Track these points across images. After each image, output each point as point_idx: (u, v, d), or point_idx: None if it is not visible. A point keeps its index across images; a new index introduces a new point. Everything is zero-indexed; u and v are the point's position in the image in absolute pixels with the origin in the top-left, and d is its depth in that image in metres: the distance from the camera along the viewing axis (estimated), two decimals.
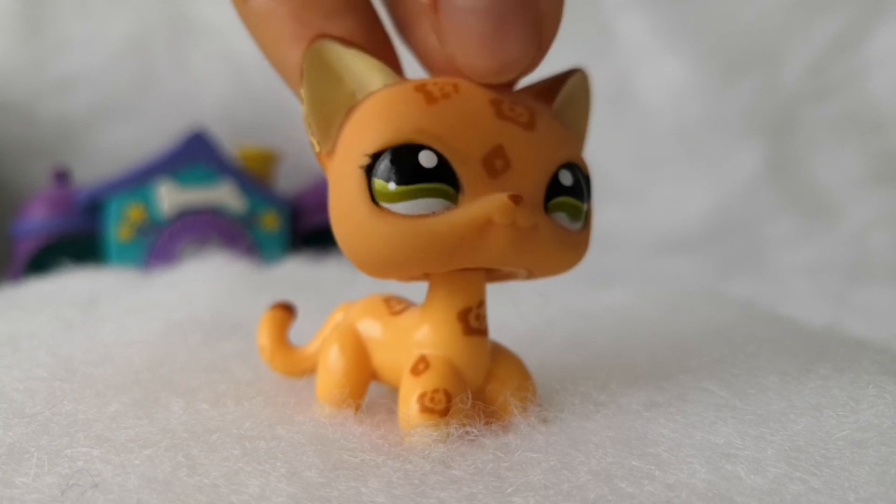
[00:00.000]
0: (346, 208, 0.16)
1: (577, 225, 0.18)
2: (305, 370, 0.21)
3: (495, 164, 0.16)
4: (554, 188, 0.17)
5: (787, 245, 0.58)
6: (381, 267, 0.17)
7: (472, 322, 0.18)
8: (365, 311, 0.20)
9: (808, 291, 0.51)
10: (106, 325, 0.28)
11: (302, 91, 0.17)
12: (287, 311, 0.22)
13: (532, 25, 0.16)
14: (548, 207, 0.17)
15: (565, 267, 0.18)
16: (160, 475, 0.15)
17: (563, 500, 0.14)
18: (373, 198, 0.16)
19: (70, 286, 0.38)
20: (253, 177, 0.49)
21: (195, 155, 0.47)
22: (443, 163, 0.16)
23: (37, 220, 0.46)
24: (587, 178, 0.18)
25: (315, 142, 0.17)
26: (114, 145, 0.59)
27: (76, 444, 0.16)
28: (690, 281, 0.51)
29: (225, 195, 0.47)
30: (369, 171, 0.16)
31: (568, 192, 0.17)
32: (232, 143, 0.52)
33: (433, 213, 0.16)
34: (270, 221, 0.49)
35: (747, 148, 0.61)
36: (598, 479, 0.15)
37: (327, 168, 0.17)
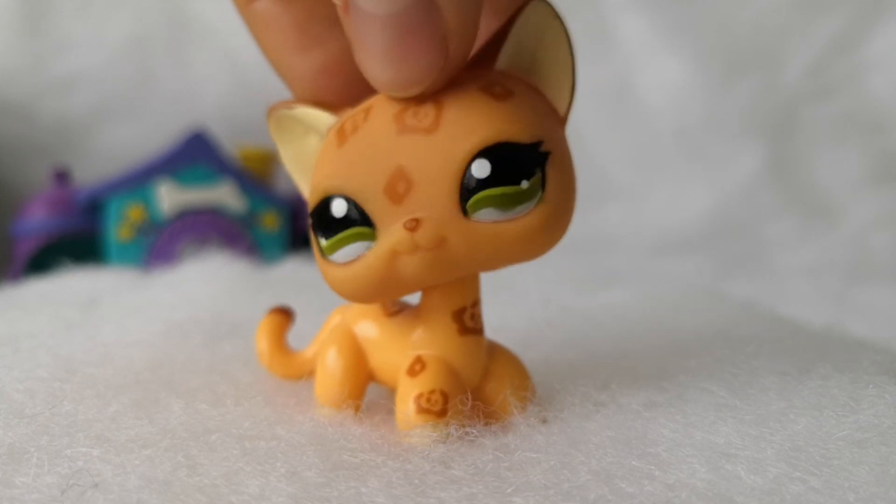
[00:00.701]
0: (315, 255, 0.18)
1: (522, 208, 0.16)
2: (304, 374, 0.21)
3: (397, 189, 0.16)
4: (471, 186, 0.16)
5: (787, 245, 0.58)
6: (347, 300, 0.18)
7: (468, 321, 0.18)
8: (361, 313, 0.20)
9: (808, 291, 0.51)
10: (106, 326, 0.28)
11: (281, 156, 0.19)
12: (285, 315, 0.22)
13: (436, 41, 0.15)
14: (467, 210, 0.16)
15: (521, 257, 0.17)
16: (160, 475, 0.15)
17: (563, 500, 0.14)
18: (321, 251, 0.17)
19: (70, 286, 0.38)
20: (253, 177, 0.49)
21: (195, 155, 0.47)
22: (352, 206, 0.16)
23: (37, 220, 0.46)
24: (529, 149, 0.16)
25: (305, 195, 0.19)
26: (114, 145, 0.59)
27: (76, 445, 0.16)
28: (691, 281, 0.51)
29: (225, 195, 0.47)
30: (313, 229, 0.17)
31: (486, 184, 0.16)
32: (232, 143, 0.52)
33: (359, 256, 0.17)
34: (270, 221, 0.49)
35: (747, 148, 0.61)
36: (598, 478, 0.15)
37: None
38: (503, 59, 0.17)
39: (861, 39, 0.61)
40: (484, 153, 0.16)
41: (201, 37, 0.61)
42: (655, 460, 0.15)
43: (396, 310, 0.19)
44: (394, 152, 0.16)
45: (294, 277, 0.39)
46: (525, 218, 0.16)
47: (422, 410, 0.17)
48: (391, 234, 0.16)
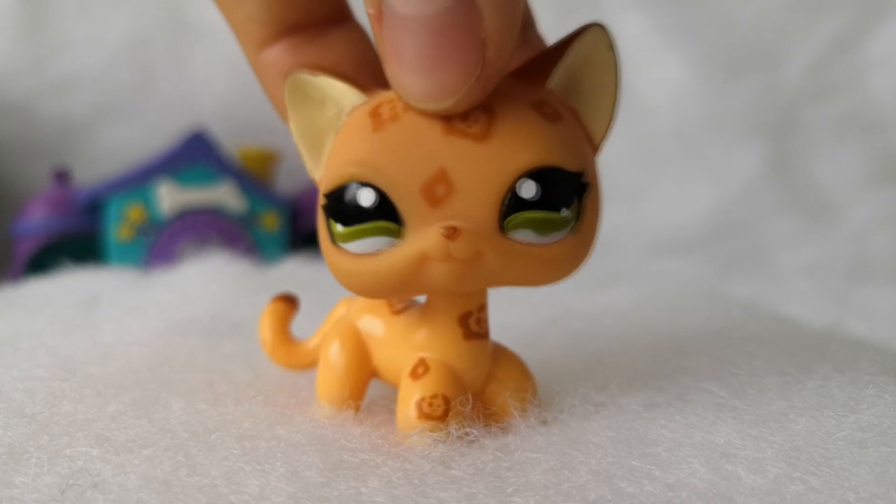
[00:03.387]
0: (320, 237, 0.17)
1: (556, 236, 0.16)
2: (307, 364, 0.21)
3: (436, 192, 0.15)
4: (512, 204, 0.15)
5: (787, 245, 0.58)
6: (352, 292, 0.17)
7: (473, 326, 0.18)
8: (366, 308, 0.20)
9: (808, 291, 0.51)
10: (106, 325, 0.28)
11: (290, 124, 0.17)
12: (289, 303, 0.22)
13: (474, 46, 0.14)
14: (504, 227, 0.16)
15: (544, 281, 0.17)
16: (160, 475, 0.15)
17: (564, 500, 0.14)
18: (332, 237, 0.16)
19: (70, 286, 0.38)
20: (253, 177, 0.49)
21: (195, 155, 0.47)
22: (383, 199, 0.16)
23: (37, 220, 0.46)
24: (573, 178, 0.16)
25: (309, 169, 0.18)
26: (114, 145, 0.59)
27: (76, 444, 0.16)
28: (691, 281, 0.51)
29: (225, 195, 0.47)
30: (327, 210, 0.16)
31: (531, 205, 0.15)
32: (232, 143, 0.52)
33: (378, 251, 0.16)
34: (270, 221, 0.49)
35: (747, 148, 0.61)
36: (599, 479, 0.15)
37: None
38: (553, 80, 0.16)
39: (861, 39, 0.61)
40: (533, 174, 0.15)
41: (201, 37, 0.61)
42: (655, 460, 0.15)
43: (402, 307, 0.19)
44: (437, 152, 0.15)
45: (294, 277, 0.39)
46: (556, 246, 0.16)
47: (423, 415, 0.17)
48: (424, 238, 0.15)
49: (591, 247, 0.17)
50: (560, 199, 0.16)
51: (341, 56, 0.18)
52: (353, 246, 0.16)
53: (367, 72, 0.18)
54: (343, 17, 0.19)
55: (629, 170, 0.62)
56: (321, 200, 0.16)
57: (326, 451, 0.16)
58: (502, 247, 0.16)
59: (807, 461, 0.15)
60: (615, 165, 0.61)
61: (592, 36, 0.17)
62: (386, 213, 0.16)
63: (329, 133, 0.17)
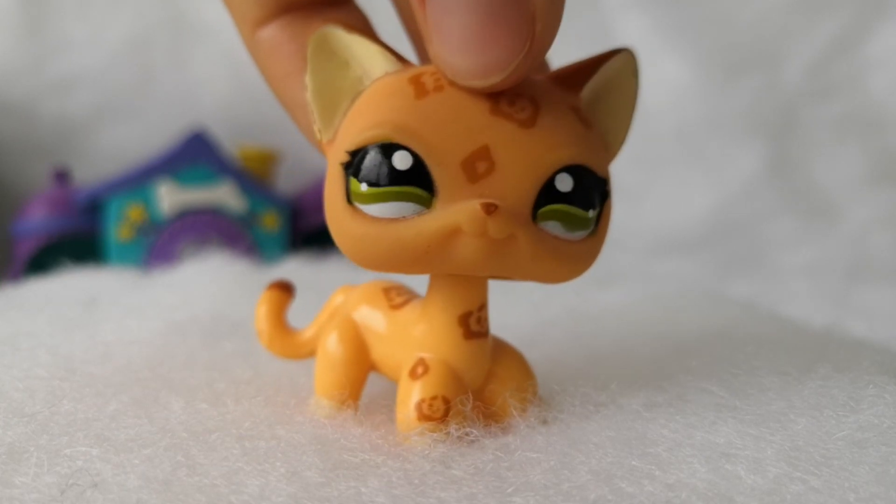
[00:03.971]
0: (330, 201, 0.16)
1: (578, 234, 0.16)
2: (304, 354, 0.21)
3: (477, 168, 0.15)
4: (547, 194, 0.16)
5: (787, 245, 0.58)
6: (358, 262, 0.17)
7: (473, 326, 0.18)
8: (364, 300, 0.20)
9: (808, 291, 0.51)
10: (106, 325, 0.28)
11: (307, 77, 0.17)
12: (285, 290, 0.21)
13: (524, 22, 0.14)
14: (537, 215, 0.16)
15: (559, 278, 0.17)
16: (160, 475, 0.15)
17: (564, 500, 0.14)
18: (348, 197, 0.16)
19: (70, 286, 0.38)
20: (253, 177, 0.49)
21: (195, 155, 0.47)
22: (418, 164, 0.15)
23: (37, 220, 0.46)
24: (600, 182, 0.17)
25: (317, 129, 0.17)
26: (114, 145, 0.59)
27: (76, 444, 0.16)
28: (691, 281, 0.51)
29: (225, 195, 0.47)
30: (348, 168, 0.16)
31: (564, 199, 0.16)
32: (232, 143, 0.52)
33: (403, 217, 0.15)
34: (270, 221, 0.49)
35: (747, 148, 0.61)
36: (599, 479, 0.15)
37: (328, 156, 0.17)
38: (585, 91, 0.17)
39: (861, 39, 0.61)
40: (571, 169, 0.16)
41: (201, 37, 0.61)
42: (655, 460, 0.15)
43: (401, 302, 0.19)
44: (483, 129, 0.15)
45: (294, 277, 0.39)
46: (576, 244, 0.16)
47: (423, 417, 0.17)
48: (460, 210, 0.15)
49: (598, 255, 0.17)
50: (589, 199, 0.16)
51: None
52: (375, 209, 0.16)
53: None
54: None
55: (629, 170, 0.62)
56: (340, 158, 0.16)
57: (326, 451, 0.16)
58: (533, 234, 0.16)
59: (807, 461, 0.15)
60: (615, 165, 0.61)
61: (623, 59, 0.17)
62: (419, 180, 0.15)
63: (347, 95, 0.17)
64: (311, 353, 0.21)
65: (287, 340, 0.21)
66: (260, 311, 0.21)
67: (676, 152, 0.62)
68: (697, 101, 0.62)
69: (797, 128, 0.61)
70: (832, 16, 0.61)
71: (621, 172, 0.61)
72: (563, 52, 0.20)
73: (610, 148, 0.18)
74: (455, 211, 0.15)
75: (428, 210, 0.15)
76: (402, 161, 0.15)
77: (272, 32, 0.18)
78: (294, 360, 0.22)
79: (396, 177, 0.15)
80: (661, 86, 0.62)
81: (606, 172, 0.17)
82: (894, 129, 0.60)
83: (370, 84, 0.17)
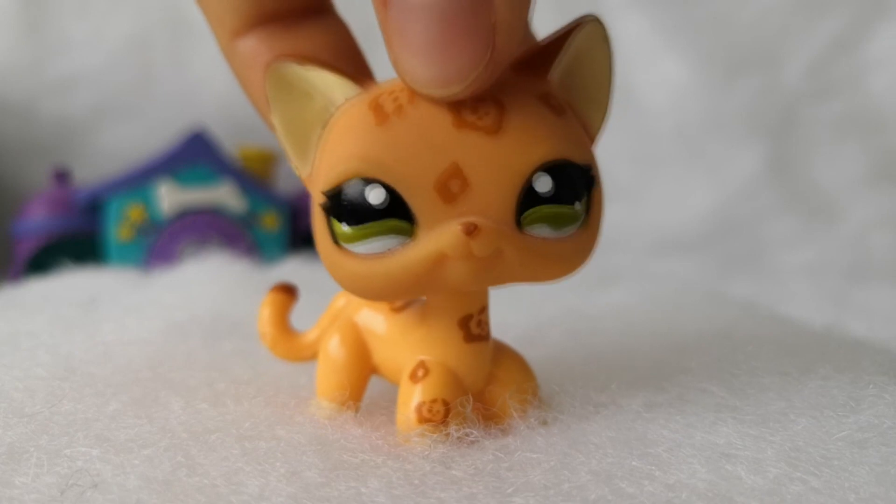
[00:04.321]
0: (318, 240, 0.16)
1: (568, 230, 0.16)
2: (307, 357, 0.21)
3: (451, 187, 0.15)
4: (528, 198, 0.15)
5: (787, 245, 0.58)
6: (357, 296, 0.17)
7: (474, 329, 0.18)
8: (365, 303, 0.20)
9: (808, 291, 0.51)
10: (106, 325, 0.28)
11: (273, 117, 0.16)
12: (288, 293, 0.21)
13: (484, 32, 0.14)
14: (521, 222, 0.15)
15: (555, 277, 0.17)
16: (160, 475, 0.15)
17: (564, 501, 0.14)
18: (334, 238, 0.16)
19: (70, 286, 0.38)
20: (253, 177, 0.49)
21: (195, 155, 0.47)
22: (393, 196, 0.15)
23: (37, 220, 0.46)
24: (583, 171, 0.16)
25: (294, 167, 0.17)
26: (114, 145, 0.59)
27: (75, 444, 0.16)
28: (691, 281, 0.51)
29: (225, 195, 0.47)
30: (328, 210, 0.16)
31: (547, 199, 0.15)
32: (232, 143, 0.52)
33: (389, 251, 0.15)
34: (270, 221, 0.49)
35: (748, 148, 0.61)
36: (599, 479, 0.15)
37: (310, 191, 0.17)
38: (553, 72, 0.16)
39: (861, 39, 0.61)
40: (547, 168, 0.15)
41: (201, 37, 0.61)
42: (655, 461, 0.15)
43: (402, 305, 0.19)
44: (449, 146, 0.15)
45: (294, 277, 0.39)
46: (568, 240, 0.16)
47: (423, 419, 0.17)
48: (441, 235, 0.15)
49: (596, 242, 0.17)
50: (572, 193, 0.16)
51: (318, 47, 0.18)
52: (361, 247, 0.15)
53: (346, 65, 0.17)
54: (322, 8, 0.18)
55: (629, 169, 0.62)
56: (318, 199, 0.16)
57: (326, 452, 0.16)
58: (520, 243, 0.15)
59: (807, 461, 0.15)
60: (615, 165, 0.61)
61: (589, 29, 0.16)
62: (397, 211, 0.15)
63: (316, 127, 0.16)
64: (313, 356, 0.21)
65: (290, 343, 0.21)
66: (263, 313, 0.21)
67: (676, 152, 0.62)
68: (697, 101, 0.62)
69: (797, 128, 0.61)
70: (832, 16, 0.61)
71: (621, 172, 0.62)
72: None
73: (590, 128, 0.17)
74: (436, 238, 0.15)
75: (412, 240, 0.15)
76: (376, 197, 0.15)
77: (252, 44, 0.18)
78: (297, 362, 0.22)
79: (374, 213, 0.15)
80: (661, 86, 0.62)
81: (589, 157, 0.16)
82: (894, 129, 0.60)
83: (335, 111, 0.16)
